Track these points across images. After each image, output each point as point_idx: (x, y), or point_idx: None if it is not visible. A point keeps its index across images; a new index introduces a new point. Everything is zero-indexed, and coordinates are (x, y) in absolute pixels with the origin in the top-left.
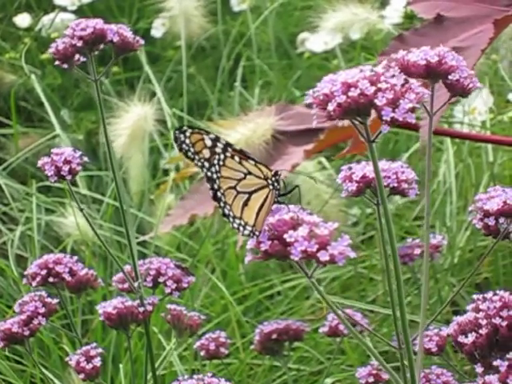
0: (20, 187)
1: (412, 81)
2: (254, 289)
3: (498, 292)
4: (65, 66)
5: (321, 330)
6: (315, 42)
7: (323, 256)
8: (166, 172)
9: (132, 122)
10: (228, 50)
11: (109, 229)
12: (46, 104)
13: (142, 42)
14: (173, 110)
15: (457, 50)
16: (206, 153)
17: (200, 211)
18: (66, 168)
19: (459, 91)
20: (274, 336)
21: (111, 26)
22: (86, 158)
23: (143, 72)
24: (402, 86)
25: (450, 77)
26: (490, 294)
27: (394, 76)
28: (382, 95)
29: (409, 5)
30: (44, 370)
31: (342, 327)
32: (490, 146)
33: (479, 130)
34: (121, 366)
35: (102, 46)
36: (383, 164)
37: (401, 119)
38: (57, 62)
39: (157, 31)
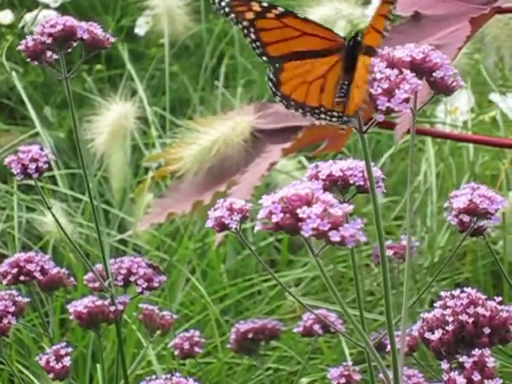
0: (1, 185)
1: (406, 72)
2: (235, 288)
3: (465, 289)
4: (35, 62)
5: (295, 330)
6: None
7: (334, 236)
8: (148, 170)
9: (113, 119)
10: (211, 48)
11: (88, 227)
12: (27, 101)
13: (112, 39)
14: (154, 108)
15: (434, 48)
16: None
17: (178, 209)
18: (32, 166)
19: (443, 89)
20: (250, 335)
21: (81, 24)
22: (52, 156)
23: (126, 70)
24: (396, 76)
25: (434, 74)
26: (457, 292)
27: (387, 67)
28: (378, 85)
29: None
30: (23, 370)
31: (316, 327)
32: (471, 145)
33: (461, 130)
34: (98, 365)
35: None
36: (350, 162)
37: (396, 109)
38: (28, 59)
39: (140, 29)
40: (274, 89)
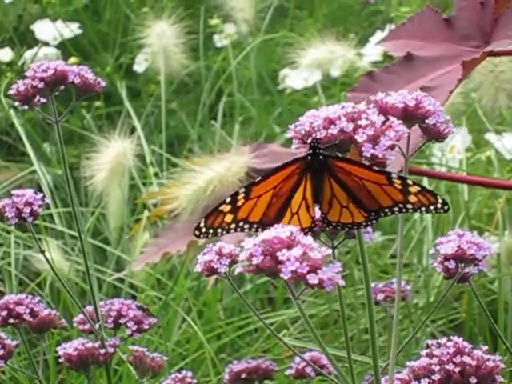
0: None
1: (392, 118)
2: (232, 326)
3: (452, 338)
4: (25, 107)
5: (287, 373)
6: (295, 78)
7: (312, 279)
8: (145, 206)
9: (111, 157)
10: (210, 85)
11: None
12: (25, 138)
13: (103, 83)
14: (152, 146)
15: (425, 90)
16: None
17: (173, 249)
18: (27, 210)
19: (435, 135)
20: (244, 375)
21: (72, 68)
22: (47, 200)
23: (125, 107)
24: (383, 123)
25: (427, 121)
26: (444, 340)
27: (374, 113)
28: (363, 131)
29: (380, 43)
30: None
31: (308, 370)
32: (465, 185)
33: (457, 170)
34: None
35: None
36: None
37: (380, 156)
38: (17, 103)
39: (139, 66)
40: None
